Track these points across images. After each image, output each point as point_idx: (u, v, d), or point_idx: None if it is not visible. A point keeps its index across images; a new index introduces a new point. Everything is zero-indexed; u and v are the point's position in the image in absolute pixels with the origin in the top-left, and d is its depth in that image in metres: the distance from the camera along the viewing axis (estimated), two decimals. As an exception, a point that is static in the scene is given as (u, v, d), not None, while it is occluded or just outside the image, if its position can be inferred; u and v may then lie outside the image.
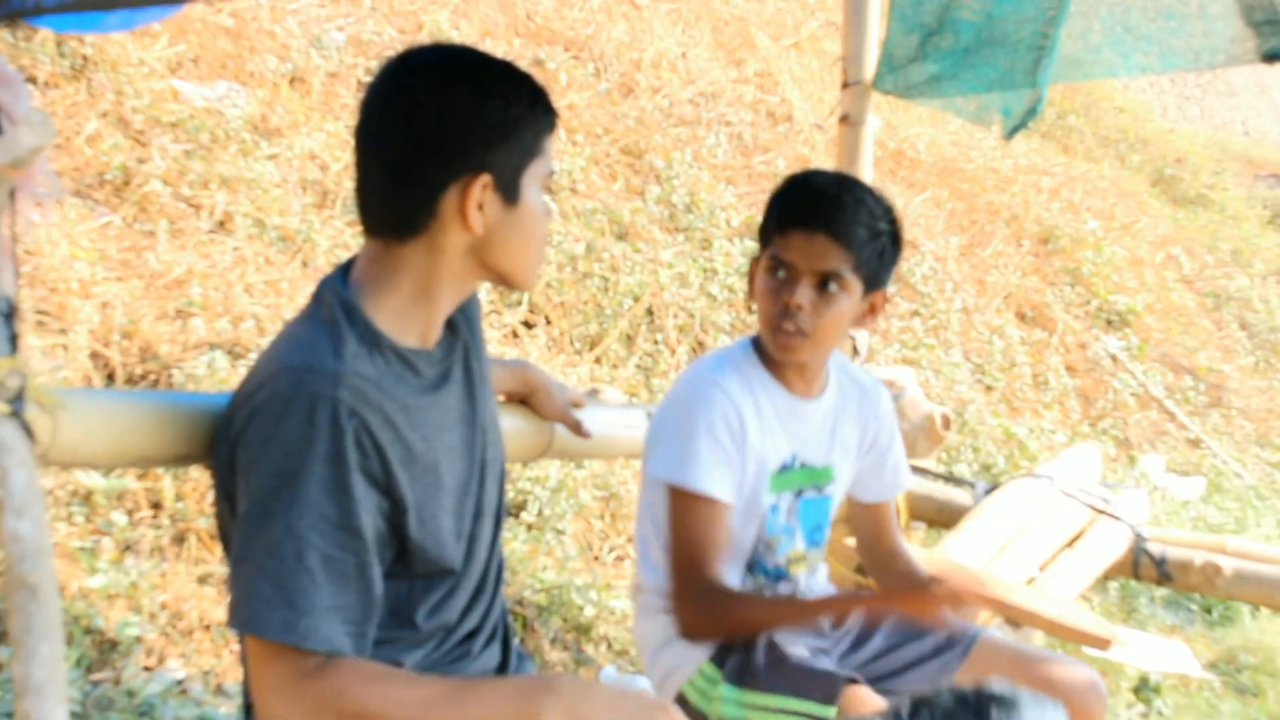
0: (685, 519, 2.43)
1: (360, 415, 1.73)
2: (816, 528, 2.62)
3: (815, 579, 2.67)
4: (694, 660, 2.48)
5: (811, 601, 2.49)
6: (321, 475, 1.70)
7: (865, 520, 2.82)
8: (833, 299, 2.41)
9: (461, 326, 2.00)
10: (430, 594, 1.91)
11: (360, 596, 1.75)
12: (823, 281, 2.40)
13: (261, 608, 1.69)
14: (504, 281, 1.91)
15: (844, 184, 2.52)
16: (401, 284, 1.84)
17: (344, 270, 1.89)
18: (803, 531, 2.59)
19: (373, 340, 1.80)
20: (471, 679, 1.91)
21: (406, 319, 1.86)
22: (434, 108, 1.79)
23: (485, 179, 1.79)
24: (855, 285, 2.42)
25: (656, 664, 2.56)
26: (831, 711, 2.29)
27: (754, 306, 2.54)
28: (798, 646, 2.46)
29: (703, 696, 2.46)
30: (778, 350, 2.47)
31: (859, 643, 2.65)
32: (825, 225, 2.40)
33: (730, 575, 2.51)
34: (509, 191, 1.83)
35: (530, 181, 1.85)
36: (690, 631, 2.47)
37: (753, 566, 2.55)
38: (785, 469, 2.54)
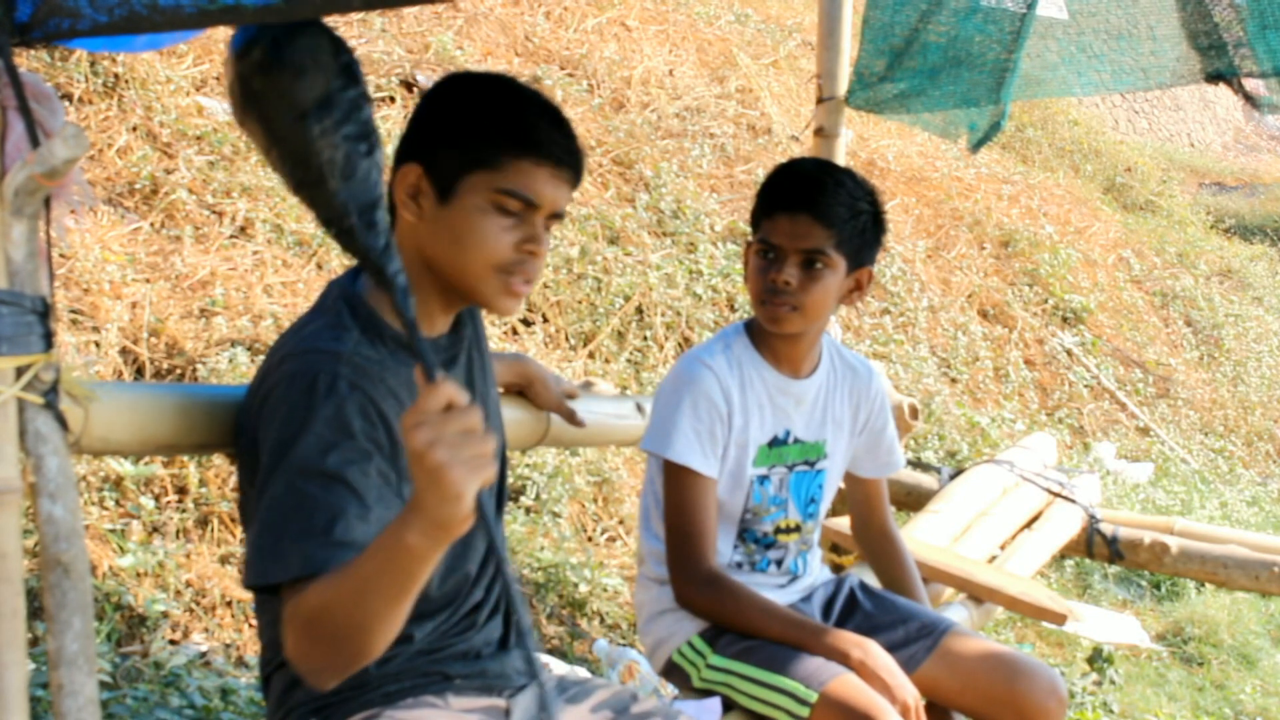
0: (675, 491, 2.42)
1: (363, 388, 1.71)
2: (811, 501, 2.60)
3: (808, 557, 2.65)
4: (686, 631, 2.47)
5: (809, 625, 2.42)
6: (319, 434, 1.66)
7: (860, 496, 2.80)
8: (818, 275, 2.39)
9: (466, 320, 2.00)
10: (439, 563, 1.90)
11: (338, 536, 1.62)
12: (808, 260, 2.38)
13: (260, 559, 1.64)
14: (457, 289, 1.85)
15: (824, 168, 2.51)
16: None
17: (354, 272, 1.90)
18: (796, 504, 2.57)
19: (375, 330, 1.80)
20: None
21: None
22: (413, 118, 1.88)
23: (415, 168, 1.82)
24: (839, 262, 2.40)
25: (650, 631, 2.55)
26: (813, 696, 2.25)
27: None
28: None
29: (691, 665, 2.45)
30: (769, 323, 2.44)
31: None
32: (807, 206, 2.38)
33: (723, 541, 2.50)
34: (443, 190, 1.81)
35: (472, 189, 1.80)
36: (683, 604, 2.46)
37: (744, 534, 2.54)
38: (778, 443, 2.52)
